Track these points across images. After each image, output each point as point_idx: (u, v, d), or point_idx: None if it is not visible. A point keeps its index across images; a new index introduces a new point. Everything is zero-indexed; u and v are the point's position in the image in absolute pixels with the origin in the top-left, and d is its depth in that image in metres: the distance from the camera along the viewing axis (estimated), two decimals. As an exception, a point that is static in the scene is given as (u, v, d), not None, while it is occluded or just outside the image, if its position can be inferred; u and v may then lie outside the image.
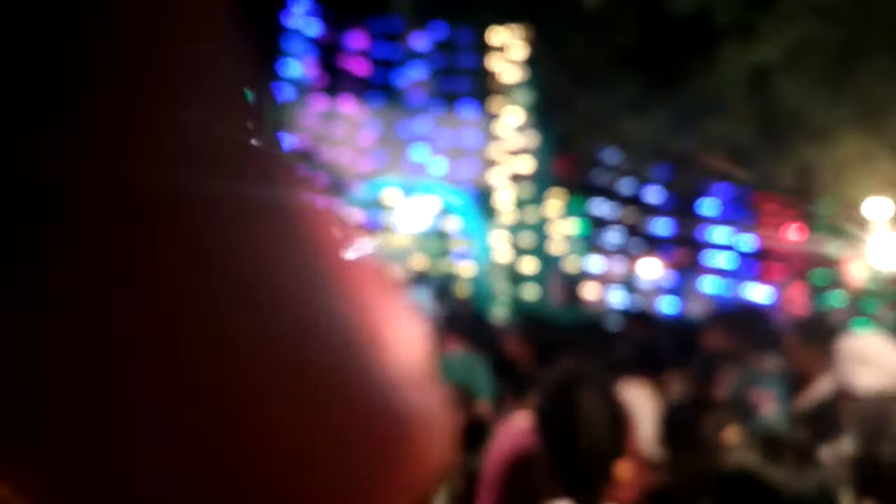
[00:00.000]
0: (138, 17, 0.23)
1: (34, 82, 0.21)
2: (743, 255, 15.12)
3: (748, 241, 15.07)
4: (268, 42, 11.87)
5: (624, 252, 15.46)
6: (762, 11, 9.36)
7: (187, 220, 0.22)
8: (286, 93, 12.24)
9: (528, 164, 12.86)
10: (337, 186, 12.42)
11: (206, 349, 0.21)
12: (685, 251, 15.52)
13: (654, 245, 15.56)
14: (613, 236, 15.31)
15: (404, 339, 0.28)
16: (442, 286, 13.13)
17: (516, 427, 2.86)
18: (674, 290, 15.24)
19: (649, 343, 4.32)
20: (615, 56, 10.39)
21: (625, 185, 15.09)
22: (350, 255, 0.28)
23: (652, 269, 15.51)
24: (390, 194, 13.46)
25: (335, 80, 12.63)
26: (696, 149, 12.84)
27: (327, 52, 12.60)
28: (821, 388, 3.47)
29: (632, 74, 10.42)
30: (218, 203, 0.23)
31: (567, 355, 4.30)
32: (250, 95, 0.25)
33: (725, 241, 15.21)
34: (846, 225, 12.79)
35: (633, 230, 15.52)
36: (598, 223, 15.18)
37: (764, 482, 1.51)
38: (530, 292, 12.59)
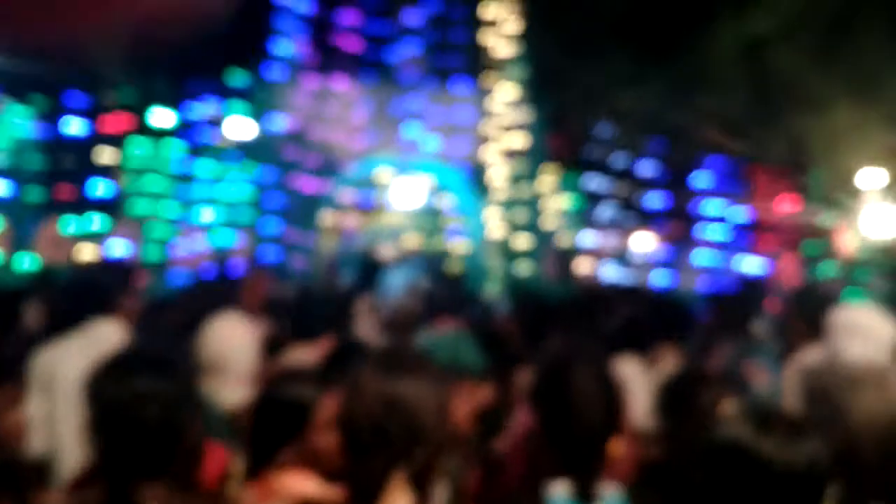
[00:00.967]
0: None
1: None
2: (736, 227, 15.15)
3: (741, 214, 15.10)
4: (259, 21, 11.79)
5: (617, 226, 15.48)
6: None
7: None
8: (278, 72, 12.17)
9: (521, 140, 12.84)
10: (329, 165, 12.40)
11: None
12: (678, 224, 15.55)
13: (648, 219, 15.58)
14: (607, 211, 15.33)
15: None
16: (434, 264, 13.16)
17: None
18: (667, 264, 15.28)
19: (640, 318, 4.36)
20: (608, 29, 10.35)
21: (618, 160, 15.07)
22: None
23: (645, 243, 15.54)
24: (383, 172, 13.44)
25: (327, 58, 12.55)
26: (690, 121, 12.84)
27: (319, 30, 12.51)
28: (809, 357, 3.51)
29: (625, 48, 10.39)
30: None
31: (557, 332, 4.34)
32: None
33: (718, 214, 15.23)
34: (839, 195, 12.84)
35: (627, 204, 15.53)
36: (592, 198, 15.18)
37: (754, 454, 1.55)
38: (524, 268, 12.63)
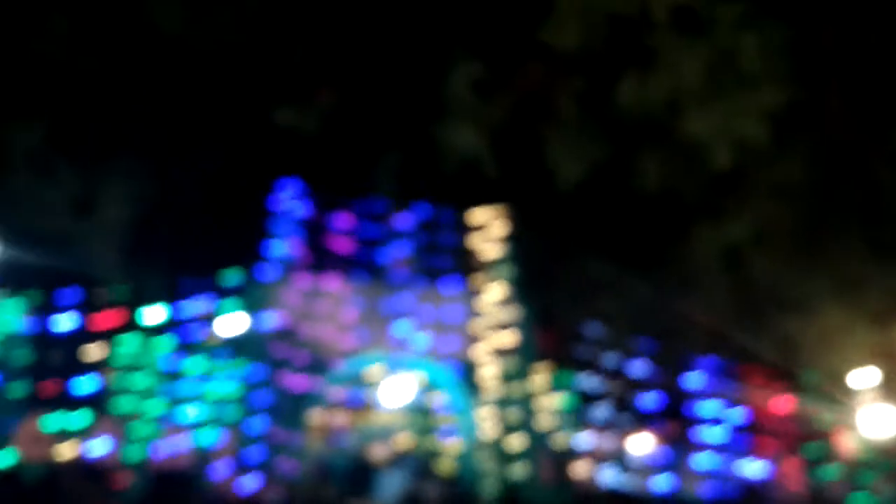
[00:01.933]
0: None
1: None
2: (734, 429, 14.84)
3: (738, 415, 14.85)
4: (254, 225, 12.29)
5: (614, 427, 15.16)
6: (727, 193, 9.84)
7: None
8: (271, 272, 12.48)
9: (511, 338, 12.91)
10: (319, 363, 12.37)
11: None
12: (675, 425, 15.25)
13: (644, 419, 15.29)
14: (602, 411, 15.07)
15: None
16: (426, 465, 12.74)
17: None
18: (666, 467, 14.80)
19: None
20: (591, 236, 10.79)
21: (609, 359, 15.05)
22: None
23: (643, 445, 15.13)
24: (374, 370, 13.37)
25: (320, 259, 12.92)
26: (678, 323, 12.98)
27: (313, 232, 12.98)
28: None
29: (608, 254, 10.78)
30: None
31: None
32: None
33: (716, 415, 14.97)
34: (834, 395, 12.70)
35: (622, 404, 15.30)
36: (586, 397, 14.99)
37: None
38: (518, 471, 12.21)
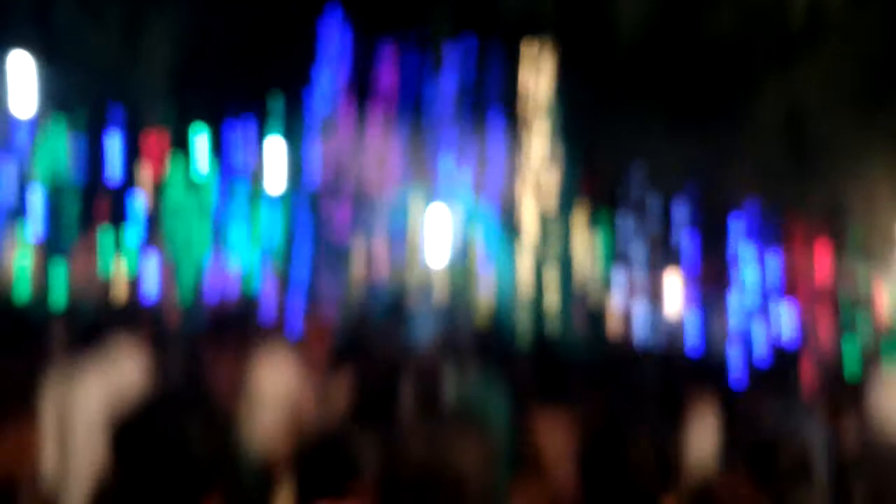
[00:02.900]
0: None
1: None
2: (770, 276, 14.91)
3: (776, 262, 14.86)
4: (301, 51, 11.93)
5: (649, 266, 15.31)
6: (799, 47, 9.26)
7: None
8: (317, 102, 12.28)
9: (554, 178, 12.81)
10: (362, 198, 12.46)
11: None
12: (712, 267, 15.35)
13: (679, 259, 15.40)
14: (638, 248, 15.18)
15: None
16: (463, 314, 13.09)
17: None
18: (699, 306, 15.05)
19: (675, 382, 4.30)
20: (646, 87, 10.32)
21: (651, 200, 14.95)
22: None
23: (676, 284, 15.32)
24: (416, 206, 13.43)
25: (365, 91, 12.65)
26: (727, 166, 12.73)
27: (358, 62, 12.62)
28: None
29: (662, 107, 10.34)
30: None
31: (577, 391, 4.28)
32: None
33: (753, 261, 15.00)
34: (876, 248, 12.62)
35: (659, 244, 15.37)
36: (624, 237, 15.06)
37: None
38: (553, 324, 12.48)
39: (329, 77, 12.34)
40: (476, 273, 14.24)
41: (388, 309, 8.29)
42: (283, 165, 12.38)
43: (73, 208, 11.92)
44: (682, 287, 15.33)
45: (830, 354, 9.58)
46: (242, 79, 11.65)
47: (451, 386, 4.99)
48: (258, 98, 12.20)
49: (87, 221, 11.98)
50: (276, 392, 3.24)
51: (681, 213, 14.87)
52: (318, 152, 12.14)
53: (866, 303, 13.20)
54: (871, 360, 7.32)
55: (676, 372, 5.05)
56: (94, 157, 12.11)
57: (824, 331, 13.52)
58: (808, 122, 10.05)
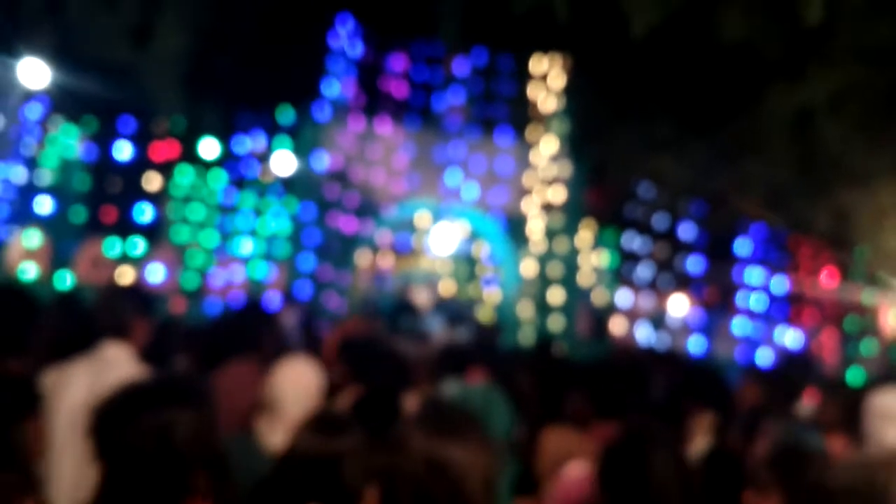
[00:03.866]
0: None
1: None
2: (775, 298, 14.85)
3: (781, 284, 14.81)
4: (310, 62, 12.02)
5: (653, 287, 15.29)
6: (810, 52, 9.25)
7: None
8: (325, 111, 12.35)
9: (560, 194, 12.82)
10: (369, 206, 12.49)
11: None
12: (716, 290, 15.32)
13: (685, 282, 15.37)
14: (643, 270, 15.15)
15: None
16: (467, 312, 13.08)
17: (571, 478, 2.80)
18: (703, 330, 15.00)
19: (678, 388, 4.25)
20: (654, 93, 10.33)
21: (657, 220, 14.95)
22: None
23: (681, 307, 15.29)
24: (422, 216, 13.47)
25: (374, 101, 12.72)
26: (734, 187, 12.71)
27: (368, 73, 12.71)
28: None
29: (670, 113, 10.34)
30: None
31: (577, 394, 4.23)
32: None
33: (758, 283, 14.96)
34: (882, 273, 12.55)
35: (664, 266, 15.35)
36: (629, 257, 15.04)
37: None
38: (557, 323, 12.49)
39: (338, 88, 12.42)
40: (480, 287, 14.26)
41: (394, 302, 8.26)
42: (291, 173, 12.43)
43: (80, 214, 11.99)
44: (688, 307, 15.29)
45: (835, 373, 9.50)
46: (252, 89, 11.76)
47: (452, 385, 4.95)
48: (268, 108, 12.30)
49: (95, 227, 12.04)
50: (293, 392, 3.21)
51: (687, 233, 14.87)
52: (326, 163, 12.19)
53: (872, 323, 13.14)
54: (875, 379, 7.26)
55: (680, 389, 5.00)
56: (102, 165, 12.19)
57: (829, 342, 13.46)
58: (815, 134, 10.03)
